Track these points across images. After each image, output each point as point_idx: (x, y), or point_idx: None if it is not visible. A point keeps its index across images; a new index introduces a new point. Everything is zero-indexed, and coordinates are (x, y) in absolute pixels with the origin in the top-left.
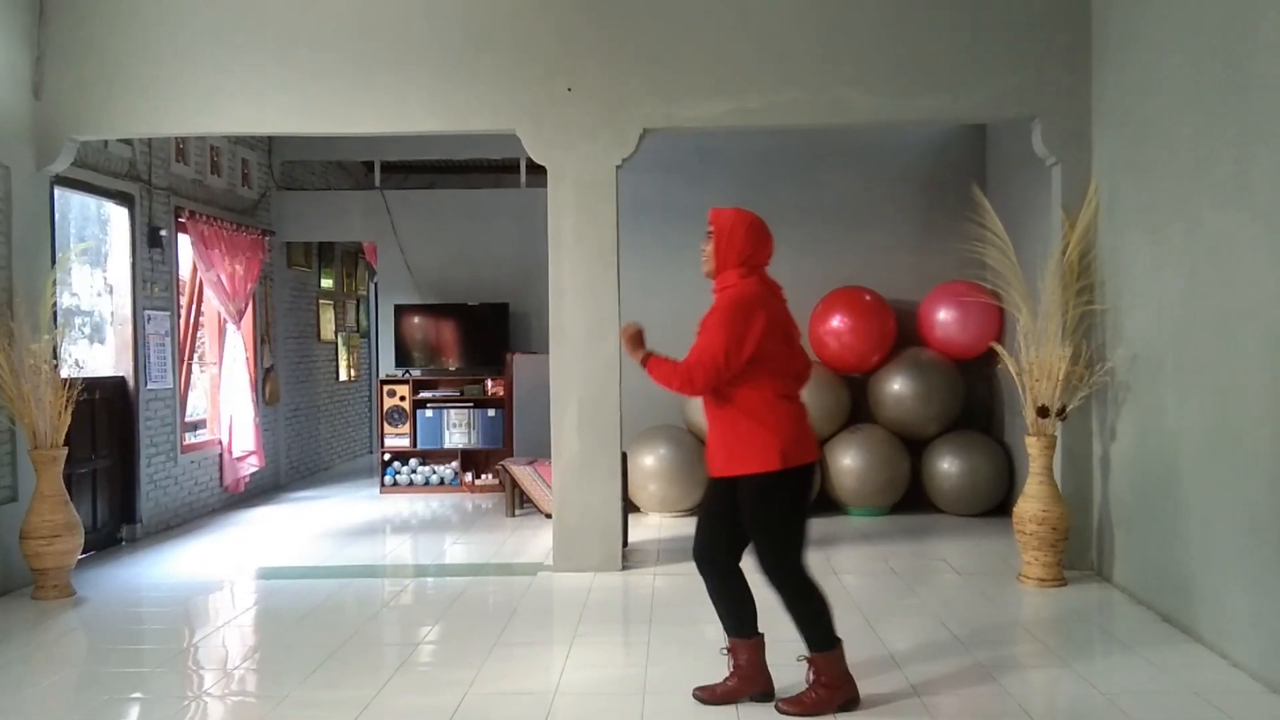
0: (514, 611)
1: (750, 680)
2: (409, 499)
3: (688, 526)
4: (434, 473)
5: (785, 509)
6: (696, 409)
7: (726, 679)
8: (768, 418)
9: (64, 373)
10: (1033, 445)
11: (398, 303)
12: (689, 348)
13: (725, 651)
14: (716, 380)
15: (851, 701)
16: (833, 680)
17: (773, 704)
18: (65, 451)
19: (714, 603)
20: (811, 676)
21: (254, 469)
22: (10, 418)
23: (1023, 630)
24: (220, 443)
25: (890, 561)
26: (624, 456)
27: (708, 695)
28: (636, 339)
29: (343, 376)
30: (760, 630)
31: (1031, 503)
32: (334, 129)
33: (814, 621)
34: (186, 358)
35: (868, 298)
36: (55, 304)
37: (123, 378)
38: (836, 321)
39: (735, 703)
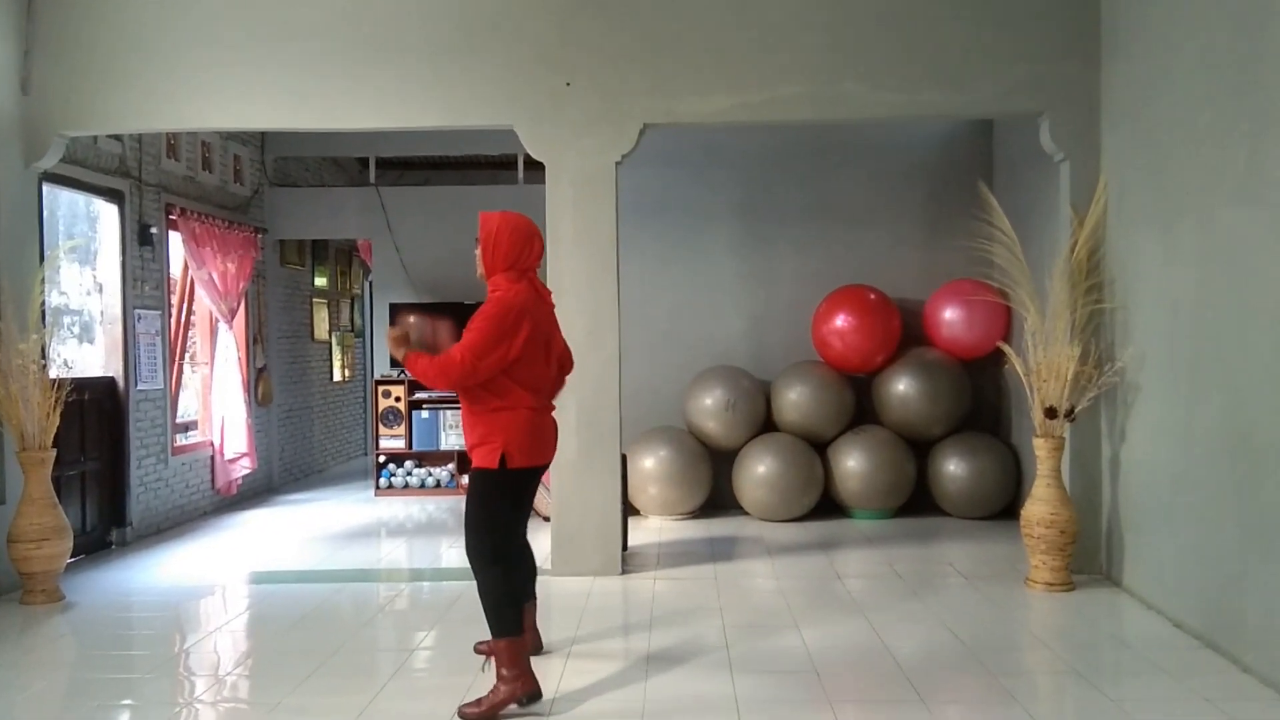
0: None
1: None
2: (404, 501)
3: (689, 530)
4: (430, 475)
5: (494, 502)
6: (697, 411)
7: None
8: (499, 425)
9: (52, 373)
10: (1040, 447)
11: (393, 301)
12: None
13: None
14: (469, 380)
15: (533, 696)
16: (513, 672)
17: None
18: (54, 453)
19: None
20: (488, 668)
21: (246, 471)
22: None
23: (1030, 635)
24: (212, 444)
25: (895, 565)
26: (624, 459)
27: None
28: (402, 339)
29: (337, 377)
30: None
31: (1039, 505)
32: (328, 124)
33: (495, 604)
34: (178, 358)
35: (872, 296)
36: (44, 303)
37: (112, 378)
38: (840, 321)
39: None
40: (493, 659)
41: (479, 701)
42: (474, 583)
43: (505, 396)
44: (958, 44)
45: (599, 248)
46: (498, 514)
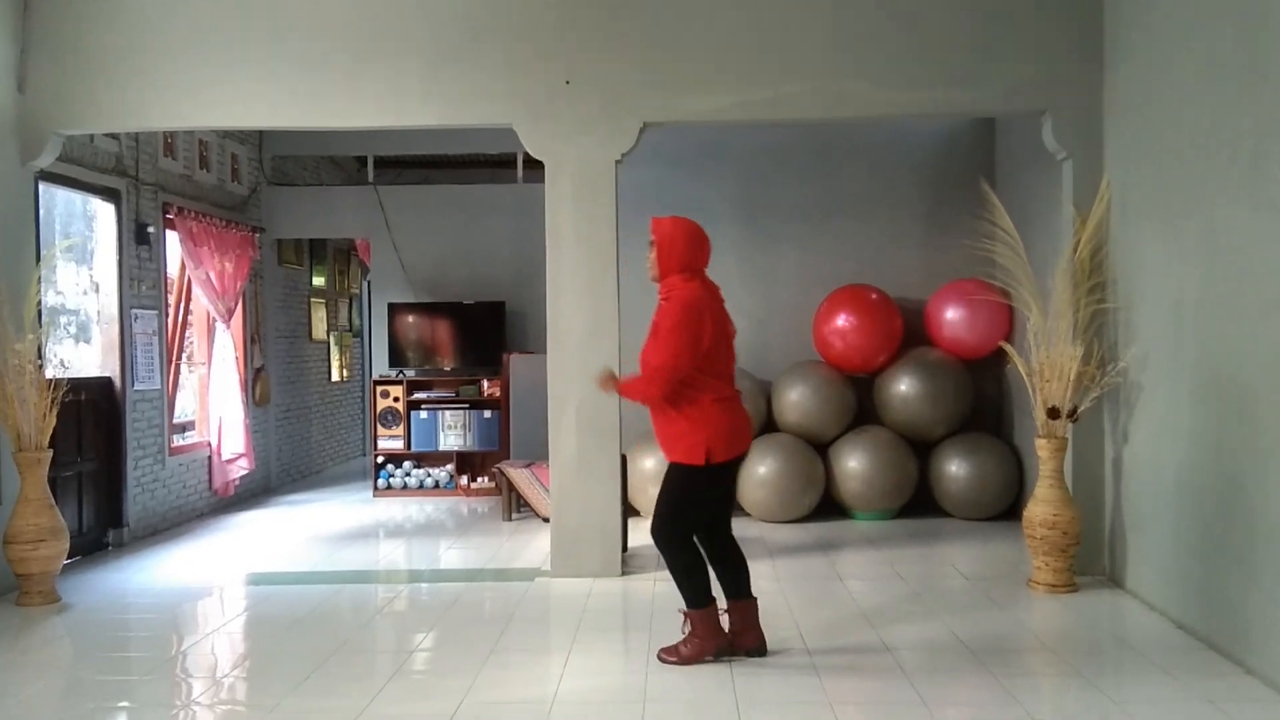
0: (510, 618)
1: (746, 632)
2: (403, 502)
3: None
4: (429, 476)
5: (694, 495)
6: None
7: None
8: (698, 417)
9: (49, 373)
10: (1043, 447)
11: (391, 301)
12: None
13: (723, 613)
14: (675, 381)
15: (725, 649)
16: (706, 633)
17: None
18: (50, 454)
19: (711, 568)
20: (688, 629)
21: (244, 472)
22: None
23: (1033, 637)
24: (209, 445)
25: (897, 566)
26: (623, 459)
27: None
28: (610, 380)
29: (335, 377)
30: (753, 594)
31: (1042, 506)
32: (326, 123)
33: (686, 582)
34: (175, 358)
35: (874, 296)
36: (40, 302)
37: (109, 378)
38: (842, 320)
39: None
40: (689, 621)
41: (676, 650)
42: (472, 585)
43: (699, 388)
44: (961, 42)
45: (599, 247)
46: (694, 505)
